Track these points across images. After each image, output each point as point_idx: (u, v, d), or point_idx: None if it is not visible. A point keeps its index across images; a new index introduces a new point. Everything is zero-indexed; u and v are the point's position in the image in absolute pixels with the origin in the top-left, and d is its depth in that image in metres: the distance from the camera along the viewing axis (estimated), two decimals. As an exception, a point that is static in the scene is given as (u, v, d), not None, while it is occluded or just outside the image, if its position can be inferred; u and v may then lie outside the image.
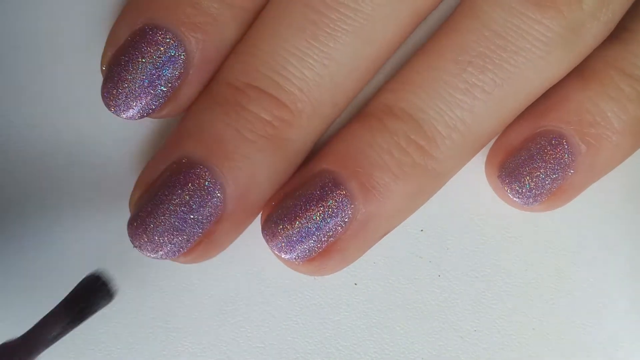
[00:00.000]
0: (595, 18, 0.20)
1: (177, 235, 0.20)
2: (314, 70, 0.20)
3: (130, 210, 0.21)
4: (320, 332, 0.23)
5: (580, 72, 0.21)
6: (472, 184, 0.22)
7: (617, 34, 0.21)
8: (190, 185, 0.20)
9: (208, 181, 0.20)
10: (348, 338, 0.23)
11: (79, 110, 0.23)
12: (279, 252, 0.20)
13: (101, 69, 0.21)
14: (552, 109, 0.21)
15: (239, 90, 0.20)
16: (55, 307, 0.18)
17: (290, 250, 0.20)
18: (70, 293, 0.18)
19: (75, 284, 0.23)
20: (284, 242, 0.20)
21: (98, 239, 0.23)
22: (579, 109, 0.21)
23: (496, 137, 0.22)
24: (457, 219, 0.23)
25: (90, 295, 0.18)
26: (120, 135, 0.23)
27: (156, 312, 0.23)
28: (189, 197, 0.20)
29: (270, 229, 0.20)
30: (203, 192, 0.20)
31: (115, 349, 0.23)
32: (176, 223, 0.20)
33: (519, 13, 0.20)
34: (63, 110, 0.23)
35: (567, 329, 0.23)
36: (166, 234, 0.20)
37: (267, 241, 0.21)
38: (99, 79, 0.23)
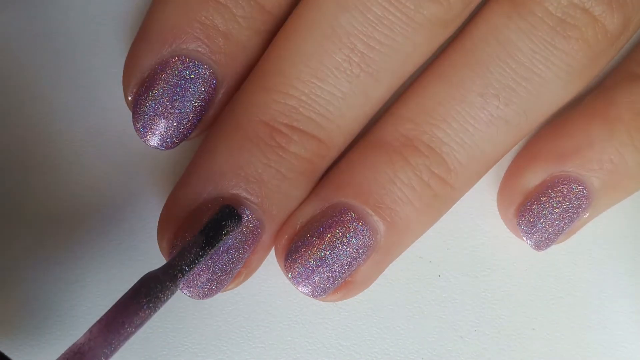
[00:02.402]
0: (615, 43, 0.20)
1: (222, 274, 0.20)
2: (354, 109, 0.20)
3: (162, 252, 0.20)
4: (320, 332, 0.23)
5: (605, 116, 0.21)
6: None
7: (639, 72, 0.21)
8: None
9: (250, 221, 0.20)
10: (348, 338, 0.23)
11: (84, 114, 0.23)
12: (303, 287, 0.20)
13: (126, 98, 0.21)
14: (574, 153, 0.21)
15: (278, 131, 0.20)
16: (193, 237, 0.19)
17: (314, 286, 0.20)
18: (206, 223, 0.19)
19: (75, 284, 0.23)
20: (307, 278, 0.20)
21: (99, 239, 0.23)
22: (603, 157, 0.21)
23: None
24: (457, 219, 0.23)
25: (220, 219, 0.19)
26: (127, 138, 0.23)
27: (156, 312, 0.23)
28: (233, 239, 0.20)
29: (293, 267, 0.20)
30: (245, 231, 0.20)
31: (116, 349, 0.23)
32: (222, 263, 0.20)
33: (547, 44, 0.20)
34: (69, 113, 0.23)
35: (567, 329, 0.23)
36: (213, 275, 0.20)
37: (290, 278, 0.20)
38: (100, 77, 0.23)
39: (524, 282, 0.23)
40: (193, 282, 0.20)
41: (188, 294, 0.20)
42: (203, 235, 0.19)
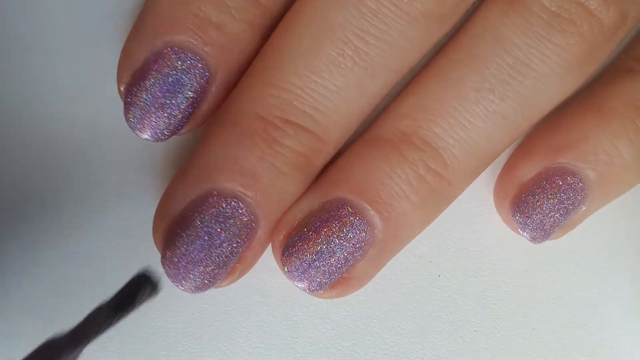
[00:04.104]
0: (612, 38, 0.20)
1: (215, 268, 0.20)
2: (349, 103, 0.20)
3: (156, 244, 0.20)
4: (320, 332, 0.23)
5: (599, 109, 0.21)
6: (473, 185, 0.22)
7: (634, 66, 0.21)
8: (226, 218, 0.19)
9: (244, 214, 0.20)
10: (348, 338, 0.23)
11: (79, 110, 0.23)
12: (299, 282, 0.20)
13: (119, 89, 0.21)
14: (569, 145, 0.21)
15: (273, 125, 0.20)
16: (103, 303, 0.18)
17: (310, 281, 0.20)
18: (119, 290, 0.18)
19: (75, 286, 0.23)
20: (303, 273, 0.20)
21: (99, 240, 0.23)
22: (597, 149, 0.21)
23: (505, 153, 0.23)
24: (457, 219, 0.23)
25: (137, 290, 0.18)
26: (123, 133, 0.23)
27: (156, 312, 0.23)
28: (225, 230, 0.20)
29: (290, 262, 0.20)
30: (239, 225, 0.20)
31: (116, 348, 0.23)
32: (214, 257, 0.20)
33: (543, 38, 0.20)
34: (64, 109, 0.23)
35: (567, 329, 0.23)
36: (206, 268, 0.20)
37: (286, 273, 0.20)
38: (101, 76, 0.23)
39: (524, 282, 0.23)
40: (186, 275, 0.20)
41: (180, 287, 0.20)
42: (114, 301, 0.18)
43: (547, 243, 0.23)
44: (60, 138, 0.23)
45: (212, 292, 0.23)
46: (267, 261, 0.22)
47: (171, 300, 0.23)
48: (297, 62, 0.20)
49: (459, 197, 0.22)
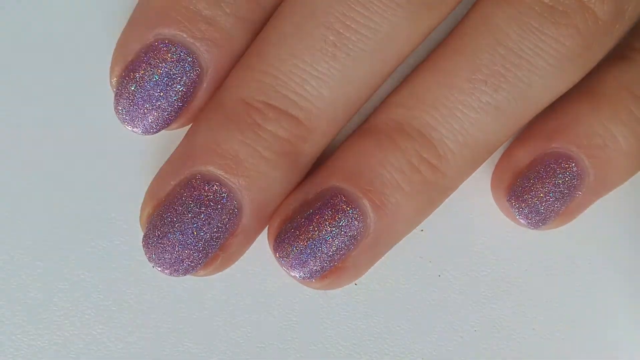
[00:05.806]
0: (609, 32, 0.20)
1: (194, 252, 0.20)
2: (332, 90, 0.20)
3: (141, 226, 0.21)
4: (320, 332, 0.23)
5: (591, 93, 0.21)
6: (472, 184, 0.22)
7: (628, 54, 0.21)
8: (207, 202, 0.20)
9: (225, 198, 0.20)
10: (348, 338, 0.23)
11: (80, 111, 0.23)
12: (291, 270, 0.20)
13: (110, 82, 0.21)
14: (562, 130, 0.21)
15: (256, 109, 0.20)
16: None
17: (302, 268, 0.20)
18: None
19: (76, 285, 0.23)
20: (296, 261, 0.20)
21: (99, 241, 0.23)
22: (590, 132, 0.21)
23: (502, 150, 0.22)
24: (457, 219, 0.23)
25: None
26: (122, 134, 0.23)
27: (156, 312, 0.23)
28: (206, 214, 0.20)
29: (282, 248, 0.20)
30: (221, 209, 0.20)
31: (116, 349, 0.23)
32: (193, 240, 0.19)
33: (535, 30, 0.20)
34: (64, 110, 0.23)
35: (567, 329, 0.23)
36: (184, 251, 0.20)
37: (278, 260, 0.20)
38: (102, 79, 0.23)
39: (524, 282, 0.23)
40: (164, 257, 0.20)
41: (158, 269, 0.20)
42: None
43: (547, 243, 0.23)
44: (65, 142, 0.23)
45: (212, 292, 0.23)
46: (267, 261, 0.22)
47: (171, 300, 0.23)
48: (280, 47, 0.20)
49: (459, 197, 0.22)
